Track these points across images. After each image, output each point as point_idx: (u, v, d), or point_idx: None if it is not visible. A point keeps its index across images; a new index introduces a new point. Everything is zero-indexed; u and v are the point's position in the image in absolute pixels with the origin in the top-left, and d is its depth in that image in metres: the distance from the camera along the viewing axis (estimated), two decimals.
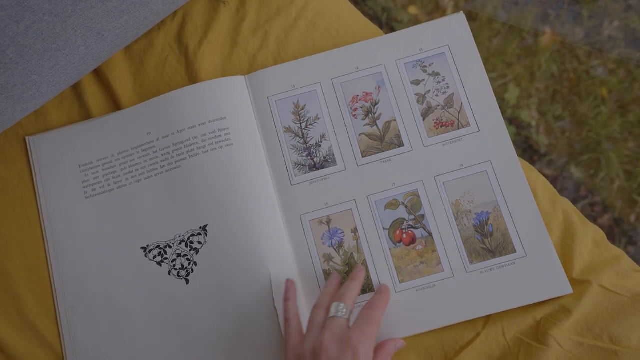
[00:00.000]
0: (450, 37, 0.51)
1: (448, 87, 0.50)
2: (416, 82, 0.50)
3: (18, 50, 0.42)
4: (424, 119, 0.49)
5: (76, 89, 0.53)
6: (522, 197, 0.47)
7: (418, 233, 0.47)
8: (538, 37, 1.15)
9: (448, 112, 0.49)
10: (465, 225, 0.47)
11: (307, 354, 0.39)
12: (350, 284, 0.43)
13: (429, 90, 0.50)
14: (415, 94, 0.50)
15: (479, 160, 0.48)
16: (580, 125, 1.10)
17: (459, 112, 0.49)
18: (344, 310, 0.41)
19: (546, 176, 1.01)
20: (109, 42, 0.47)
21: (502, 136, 0.48)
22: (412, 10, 1.19)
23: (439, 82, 0.50)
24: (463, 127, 0.49)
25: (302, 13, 0.54)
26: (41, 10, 0.42)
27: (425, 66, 0.50)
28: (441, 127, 0.49)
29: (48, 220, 0.49)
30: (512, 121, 1.09)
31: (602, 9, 1.16)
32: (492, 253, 0.46)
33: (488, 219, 0.47)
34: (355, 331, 0.39)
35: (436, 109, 0.49)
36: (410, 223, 0.47)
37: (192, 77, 0.52)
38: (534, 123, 1.10)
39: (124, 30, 0.48)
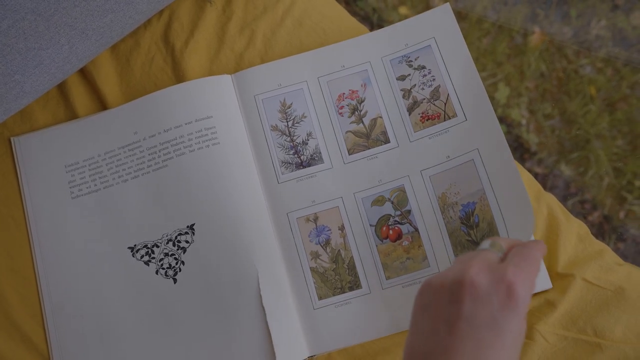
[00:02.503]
0: (436, 29, 0.51)
1: (434, 80, 0.50)
2: (402, 78, 0.50)
3: (0, 49, 0.42)
4: (409, 114, 0.49)
5: (62, 89, 0.52)
6: (510, 181, 0.46)
7: (404, 229, 0.47)
8: (527, 36, 1.16)
9: (434, 104, 0.49)
10: (451, 218, 0.47)
11: (445, 287, 0.30)
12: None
13: (415, 85, 0.50)
14: (401, 90, 0.50)
15: (465, 149, 0.47)
16: (570, 123, 1.11)
17: (445, 104, 0.49)
18: (500, 246, 0.32)
19: (536, 174, 1.02)
20: (94, 41, 0.47)
21: (490, 122, 0.47)
22: (403, 10, 1.19)
23: (424, 76, 0.50)
24: (450, 118, 0.48)
25: (288, 12, 0.54)
26: (23, 9, 0.42)
27: (411, 61, 0.50)
28: (427, 120, 0.49)
29: (34, 221, 0.49)
30: (502, 120, 1.10)
31: (589, 9, 1.17)
32: (477, 244, 0.46)
33: (474, 209, 0.46)
34: (510, 265, 0.30)
35: (422, 102, 0.49)
36: (397, 219, 0.47)
37: (179, 77, 0.52)
38: (524, 122, 1.11)
39: (108, 29, 0.48)
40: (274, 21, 0.54)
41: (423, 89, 0.49)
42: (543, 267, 0.46)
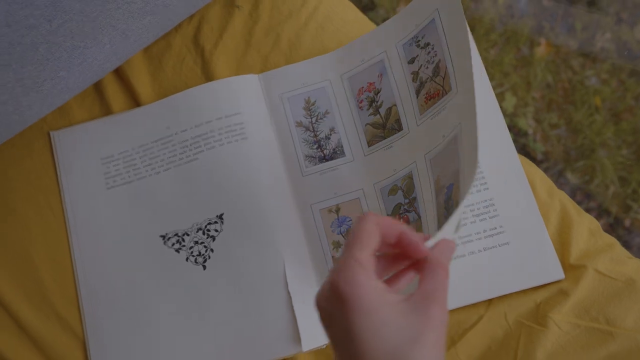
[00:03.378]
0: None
1: (436, 55, 0.47)
2: (412, 61, 0.49)
3: (49, 47, 0.45)
4: (417, 97, 0.48)
5: (98, 87, 0.55)
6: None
7: (411, 217, 0.48)
8: (534, 48, 1.18)
9: (435, 81, 0.47)
10: (440, 203, 0.43)
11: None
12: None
13: (421, 65, 0.48)
14: (411, 73, 0.49)
15: (454, 125, 0.43)
16: (576, 132, 1.13)
17: (443, 79, 0.46)
18: None
19: None
20: (132, 41, 0.50)
21: (470, 95, 0.39)
22: None
23: (428, 53, 0.48)
24: (446, 94, 0.46)
25: (311, 17, 0.57)
26: (72, 10, 0.45)
27: (419, 40, 0.49)
28: (430, 100, 0.47)
29: (71, 210, 0.51)
30: (509, 129, 1.12)
31: (594, 22, 1.20)
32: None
33: (451, 192, 0.41)
34: (332, 271, 0.29)
35: (426, 82, 0.48)
36: (406, 207, 0.48)
37: (208, 77, 0.55)
38: (530, 131, 1.13)
39: (146, 30, 0.51)
40: (298, 25, 0.57)
41: (427, 67, 0.47)
42: (555, 258, 0.48)
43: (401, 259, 0.32)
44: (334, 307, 0.28)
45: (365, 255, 0.29)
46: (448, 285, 0.29)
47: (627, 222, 1.03)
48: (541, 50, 1.19)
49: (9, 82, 0.44)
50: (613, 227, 1.01)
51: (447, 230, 0.32)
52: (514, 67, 1.18)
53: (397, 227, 0.30)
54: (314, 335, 0.46)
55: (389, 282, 0.32)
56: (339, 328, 0.28)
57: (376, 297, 0.27)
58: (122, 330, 0.48)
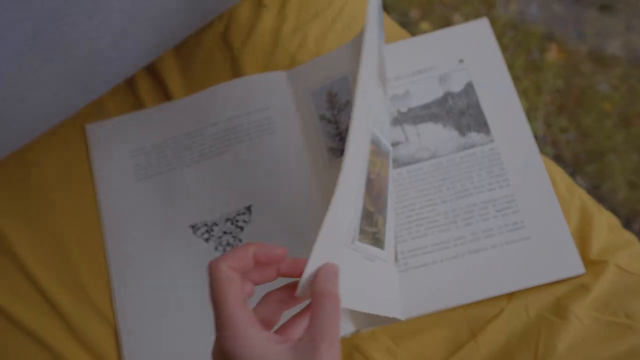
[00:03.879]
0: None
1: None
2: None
3: (90, 43, 0.47)
4: None
5: (130, 82, 0.57)
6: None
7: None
8: (544, 53, 1.20)
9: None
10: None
11: None
12: None
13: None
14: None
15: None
16: (586, 137, 1.14)
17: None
18: None
19: None
20: (166, 38, 0.52)
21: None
22: (424, 26, 1.24)
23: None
24: None
25: (338, 17, 0.59)
26: (112, 8, 0.46)
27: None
28: None
29: (103, 200, 0.53)
30: None
31: (605, 28, 1.22)
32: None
33: None
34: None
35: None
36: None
37: (237, 74, 0.57)
38: (541, 134, 1.14)
39: (179, 28, 0.53)
40: (324, 24, 0.59)
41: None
42: (576, 253, 0.49)
43: (291, 301, 0.30)
44: None
45: (243, 310, 0.27)
46: (339, 313, 0.27)
47: (635, 227, 1.04)
48: (552, 55, 1.21)
49: (51, 76, 0.46)
50: None
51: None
52: (524, 72, 1.19)
53: (273, 251, 0.30)
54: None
55: (282, 329, 0.31)
56: None
57: (259, 351, 0.26)
58: (152, 317, 0.50)
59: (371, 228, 0.38)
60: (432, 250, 0.50)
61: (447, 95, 0.54)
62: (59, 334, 0.49)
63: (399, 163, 0.52)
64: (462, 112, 0.54)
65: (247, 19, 0.59)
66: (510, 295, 0.49)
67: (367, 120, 0.39)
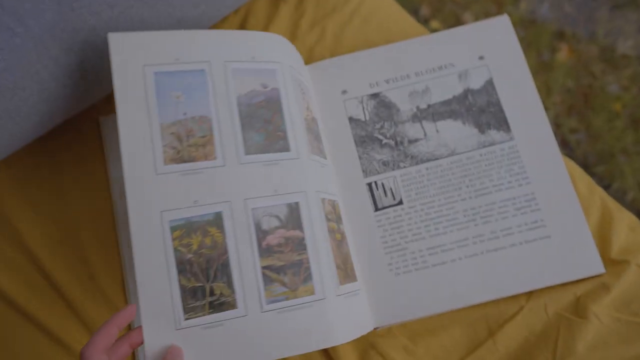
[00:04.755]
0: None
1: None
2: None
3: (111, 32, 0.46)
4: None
5: None
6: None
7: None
8: (555, 53, 1.19)
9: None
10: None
11: None
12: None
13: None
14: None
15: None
16: (595, 138, 1.13)
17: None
18: None
19: None
20: (186, 29, 0.52)
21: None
22: (435, 24, 1.23)
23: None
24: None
25: (355, 11, 0.58)
26: None
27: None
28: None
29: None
30: None
31: (616, 29, 1.21)
32: None
33: None
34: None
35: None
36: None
37: None
38: None
39: (198, 20, 0.52)
40: (342, 19, 0.58)
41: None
42: (596, 252, 0.49)
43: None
44: None
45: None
46: None
47: None
48: (562, 56, 1.20)
49: (69, 65, 0.46)
50: None
51: None
52: (535, 72, 1.19)
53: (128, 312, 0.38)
54: (355, 325, 0.47)
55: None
56: None
57: None
58: None
59: (203, 300, 0.40)
60: (450, 248, 0.50)
61: (467, 92, 0.54)
62: (72, 330, 0.48)
63: (417, 160, 0.52)
64: (482, 109, 0.53)
65: (264, 12, 0.59)
66: (529, 294, 0.49)
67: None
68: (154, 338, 0.38)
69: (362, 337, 0.49)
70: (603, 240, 0.50)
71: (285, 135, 0.44)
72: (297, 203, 0.43)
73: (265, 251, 0.41)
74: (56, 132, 0.54)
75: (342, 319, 0.42)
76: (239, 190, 0.42)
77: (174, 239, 0.40)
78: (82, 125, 0.55)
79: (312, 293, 0.41)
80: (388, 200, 0.51)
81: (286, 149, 0.44)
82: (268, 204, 0.42)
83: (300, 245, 0.42)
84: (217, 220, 0.41)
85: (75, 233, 0.52)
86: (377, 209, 0.51)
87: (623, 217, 0.51)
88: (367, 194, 0.51)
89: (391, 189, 0.51)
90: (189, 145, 0.42)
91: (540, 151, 0.52)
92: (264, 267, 0.41)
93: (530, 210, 0.50)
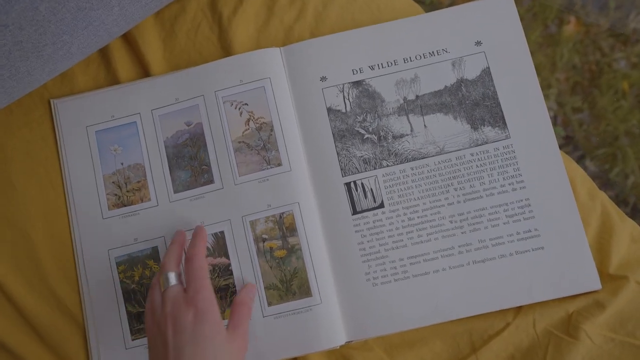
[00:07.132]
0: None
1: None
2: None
3: (51, 7, 0.40)
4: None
5: (104, 52, 0.51)
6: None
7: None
8: (562, 25, 1.12)
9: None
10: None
11: (156, 333, 0.38)
12: (168, 250, 0.42)
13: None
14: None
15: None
16: (599, 118, 1.09)
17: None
18: (172, 278, 0.40)
19: None
20: (143, 4, 0.45)
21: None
22: None
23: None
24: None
25: None
26: None
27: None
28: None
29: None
30: None
31: (629, 0, 1.14)
32: None
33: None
34: (189, 291, 0.39)
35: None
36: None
37: (225, 47, 0.50)
38: (551, 114, 1.09)
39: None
40: None
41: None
42: (593, 267, 0.45)
43: None
44: (190, 319, 0.38)
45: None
46: (249, 315, 0.41)
47: None
48: (570, 29, 1.13)
49: (5, 44, 0.40)
50: (630, 218, 0.98)
51: None
52: (539, 46, 1.12)
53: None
54: (329, 337, 0.44)
55: None
56: (187, 337, 0.37)
57: (218, 319, 0.38)
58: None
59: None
60: (434, 257, 0.45)
61: (460, 82, 0.48)
62: (23, 338, 0.45)
63: (402, 158, 0.47)
64: (476, 102, 0.48)
65: None
66: (518, 309, 0.45)
67: None
68: (107, 357, 0.45)
69: (335, 350, 0.45)
70: (602, 252, 0.45)
71: (209, 168, 0.47)
72: (222, 232, 0.45)
73: None
74: (2, 116, 0.49)
75: (274, 340, 0.44)
76: (172, 225, 0.46)
77: (119, 272, 0.46)
78: (31, 108, 0.49)
79: None
80: (368, 203, 0.46)
81: (210, 181, 0.47)
82: None
83: (226, 271, 0.45)
84: (154, 254, 0.46)
85: (25, 230, 0.47)
86: (355, 212, 0.46)
87: (625, 226, 0.46)
88: (345, 195, 0.46)
89: (372, 189, 0.47)
90: (127, 191, 0.47)
91: (539, 152, 0.47)
92: None
93: (524, 218, 0.46)
